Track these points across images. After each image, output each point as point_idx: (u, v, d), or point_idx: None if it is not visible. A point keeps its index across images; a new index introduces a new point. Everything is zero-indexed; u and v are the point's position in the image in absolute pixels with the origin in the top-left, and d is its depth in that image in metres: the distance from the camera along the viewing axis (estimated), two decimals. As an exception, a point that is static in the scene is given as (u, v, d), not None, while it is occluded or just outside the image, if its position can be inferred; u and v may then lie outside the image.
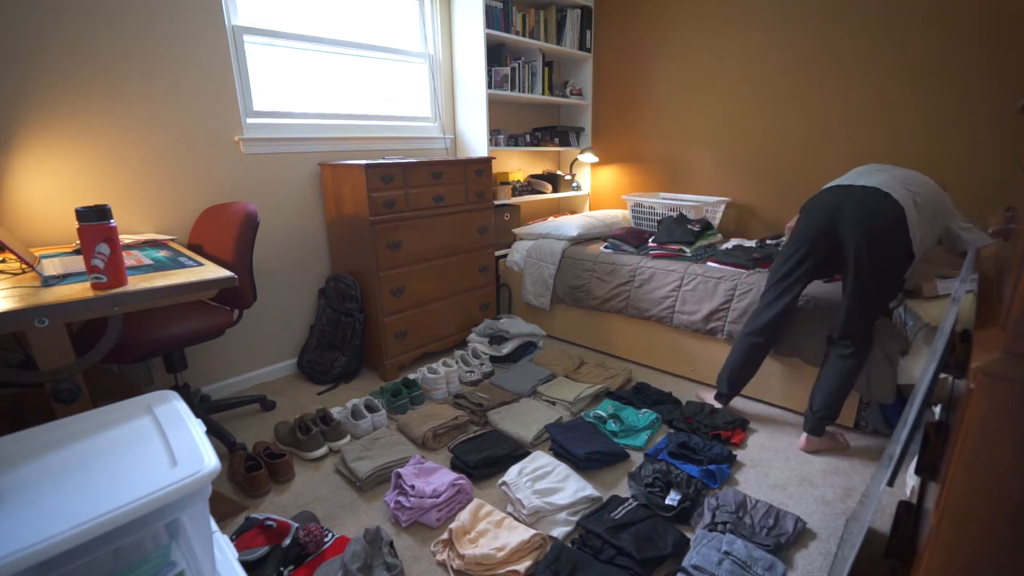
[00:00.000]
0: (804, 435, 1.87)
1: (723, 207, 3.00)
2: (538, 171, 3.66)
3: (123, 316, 1.31)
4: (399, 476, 1.62)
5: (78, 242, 1.77)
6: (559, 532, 1.48)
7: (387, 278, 2.35)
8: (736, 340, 2.01)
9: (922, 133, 2.40)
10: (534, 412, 2.06)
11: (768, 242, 2.62)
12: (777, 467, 1.78)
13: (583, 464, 1.76)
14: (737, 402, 2.23)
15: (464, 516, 1.47)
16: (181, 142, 2.06)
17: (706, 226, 2.63)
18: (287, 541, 1.38)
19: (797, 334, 2.02)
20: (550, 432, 1.90)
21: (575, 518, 1.52)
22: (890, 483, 0.96)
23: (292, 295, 2.51)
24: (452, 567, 1.37)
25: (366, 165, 2.17)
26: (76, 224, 1.86)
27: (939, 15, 2.26)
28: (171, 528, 0.77)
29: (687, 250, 2.49)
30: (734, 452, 1.84)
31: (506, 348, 2.62)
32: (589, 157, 3.44)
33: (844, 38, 2.52)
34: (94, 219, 1.20)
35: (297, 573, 1.33)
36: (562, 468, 1.67)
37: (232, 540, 1.38)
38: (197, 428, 0.86)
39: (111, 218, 1.23)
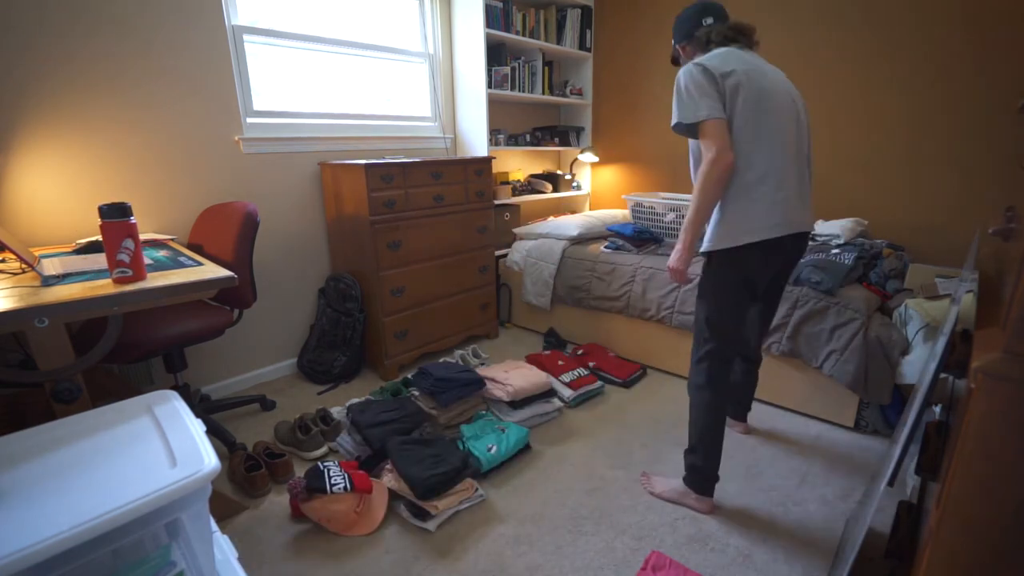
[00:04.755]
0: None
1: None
2: (538, 171, 3.66)
3: (123, 316, 1.31)
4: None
5: (78, 242, 1.77)
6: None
7: (387, 278, 2.34)
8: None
9: (922, 133, 2.40)
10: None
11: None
12: (776, 467, 1.78)
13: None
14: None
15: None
16: (181, 141, 2.06)
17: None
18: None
19: (797, 334, 2.02)
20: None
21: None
22: (890, 483, 0.96)
23: (292, 295, 2.51)
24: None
25: (366, 165, 2.17)
26: (77, 223, 1.87)
27: (939, 14, 2.26)
28: (171, 528, 0.77)
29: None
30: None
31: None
32: (589, 157, 3.44)
33: (843, 39, 2.52)
34: (118, 216, 1.24)
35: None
36: None
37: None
38: (197, 428, 0.86)
39: (132, 215, 1.26)
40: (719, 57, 1.39)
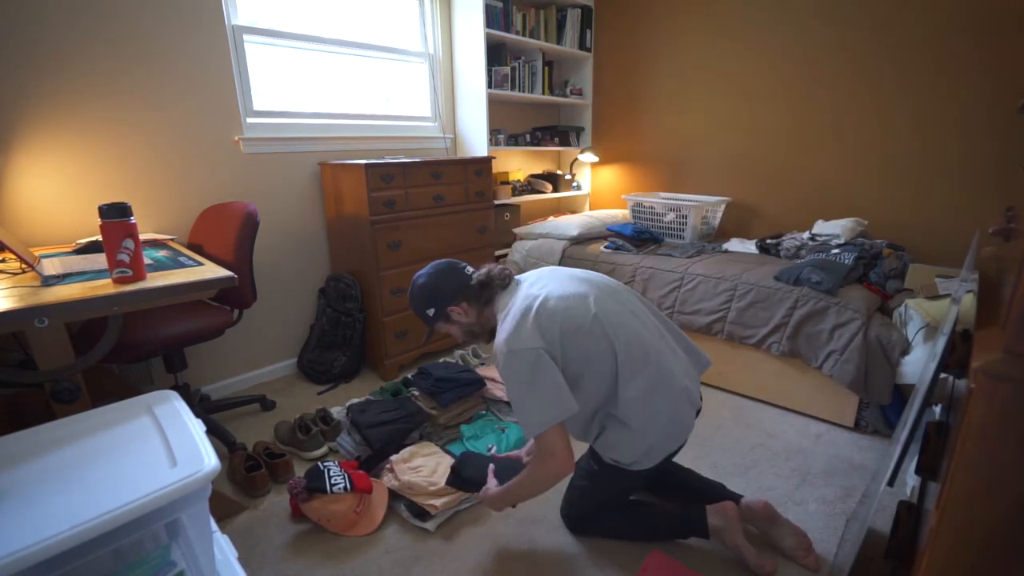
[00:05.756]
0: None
1: (723, 207, 3.00)
2: (538, 171, 3.66)
3: (123, 316, 1.31)
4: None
5: (78, 242, 1.77)
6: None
7: (387, 278, 2.34)
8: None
9: (922, 133, 2.40)
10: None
11: (768, 241, 2.62)
12: (777, 467, 1.78)
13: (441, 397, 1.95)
14: (738, 401, 2.22)
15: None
16: (181, 142, 2.06)
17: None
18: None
19: (798, 334, 2.02)
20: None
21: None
22: (890, 483, 0.96)
23: (292, 295, 2.51)
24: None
25: (366, 165, 2.17)
26: (77, 223, 1.87)
27: (939, 14, 2.26)
28: (171, 528, 0.77)
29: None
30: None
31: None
32: (589, 157, 3.44)
33: (844, 39, 2.52)
34: (118, 216, 1.24)
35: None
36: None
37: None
38: (197, 428, 0.86)
39: (132, 215, 1.26)
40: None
